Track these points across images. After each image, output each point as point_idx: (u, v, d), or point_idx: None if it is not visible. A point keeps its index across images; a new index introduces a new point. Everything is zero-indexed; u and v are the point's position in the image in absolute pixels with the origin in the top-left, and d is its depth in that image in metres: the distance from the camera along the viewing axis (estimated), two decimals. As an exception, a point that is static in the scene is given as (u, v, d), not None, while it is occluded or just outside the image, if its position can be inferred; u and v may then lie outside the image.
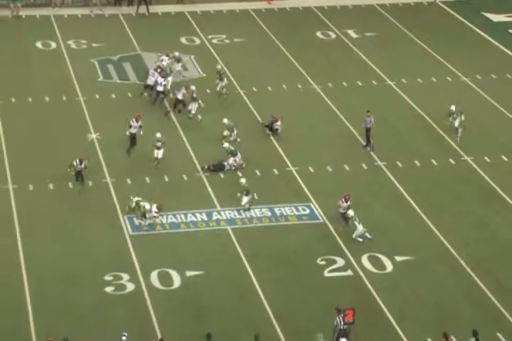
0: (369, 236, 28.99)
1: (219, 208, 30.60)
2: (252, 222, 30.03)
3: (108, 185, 31.71)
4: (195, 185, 32.00)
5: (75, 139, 34.42)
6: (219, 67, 38.11)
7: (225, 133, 33.79)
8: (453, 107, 34.82)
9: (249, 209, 30.25)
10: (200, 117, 35.46)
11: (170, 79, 37.13)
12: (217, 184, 31.90)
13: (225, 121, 34.22)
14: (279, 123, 35.07)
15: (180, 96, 36.00)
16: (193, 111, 35.51)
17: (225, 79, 37.62)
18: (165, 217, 29.97)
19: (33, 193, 31.19)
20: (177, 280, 27.07)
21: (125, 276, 27.21)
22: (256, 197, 30.62)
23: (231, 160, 32.45)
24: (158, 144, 32.32)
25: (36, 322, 25.21)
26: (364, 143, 34.32)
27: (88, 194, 30.84)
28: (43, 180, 31.76)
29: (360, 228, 28.90)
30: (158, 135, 32.35)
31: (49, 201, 30.55)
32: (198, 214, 30.19)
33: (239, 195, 30.36)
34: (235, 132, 33.90)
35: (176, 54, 38.98)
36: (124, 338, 23.26)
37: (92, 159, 31.43)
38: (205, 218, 30.17)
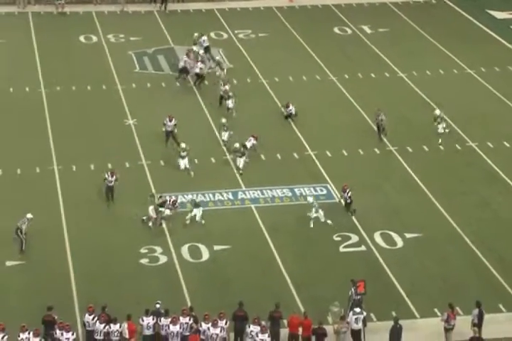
0: (329, 222, 28.31)
1: (244, 188, 30.42)
2: (274, 201, 29.87)
3: (143, 167, 31.41)
4: (223, 166, 31.71)
5: (114, 124, 34.33)
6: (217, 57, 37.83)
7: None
8: (437, 111, 33.21)
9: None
10: (234, 114, 34.47)
11: (202, 65, 36.57)
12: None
13: (224, 120, 32.76)
14: (291, 107, 34.53)
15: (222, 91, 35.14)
16: (231, 107, 34.18)
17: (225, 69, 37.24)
18: (195, 195, 29.75)
19: (75, 173, 31.09)
20: (205, 254, 27.03)
21: (158, 249, 27.11)
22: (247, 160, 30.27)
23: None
24: (183, 154, 30.57)
25: (79, 291, 25.24)
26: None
27: (125, 175, 30.56)
28: (85, 161, 31.63)
29: (321, 213, 28.19)
30: (183, 145, 30.80)
31: (90, 181, 30.27)
32: (224, 194, 29.97)
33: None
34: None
35: (198, 51, 38.29)
36: (157, 306, 23.01)
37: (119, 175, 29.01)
38: (231, 197, 29.95)
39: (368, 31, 43.78)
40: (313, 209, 27.96)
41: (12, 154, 31.88)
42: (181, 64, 37.19)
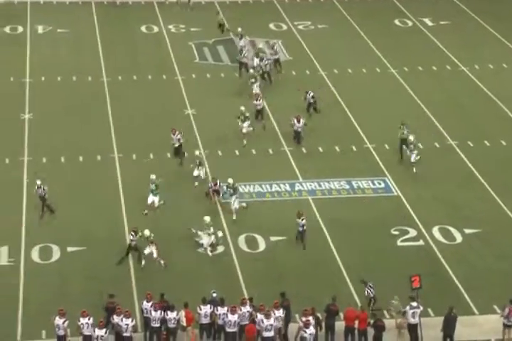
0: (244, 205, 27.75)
1: (301, 180, 30.30)
2: (331, 193, 29.69)
3: (203, 156, 31.21)
4: (280, 158, 31.58)
5: (174, 114, 34.40)
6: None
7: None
8: (411, 137, 30.26)
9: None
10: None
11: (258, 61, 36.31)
12: (299, 157, 31.56)
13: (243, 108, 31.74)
14: (310, 95, 33.62)
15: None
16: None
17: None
18: (252, 186, 29.79)
19: (135, 162, 31.28)
20: (262, 244, 26.94)
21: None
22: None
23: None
24: (198, 162, 29.03)
25: (137, 278, 25.33)
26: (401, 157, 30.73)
27: (185, 164, 30.65)
28: (145, 150, 31.79)
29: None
30: (197, 153, 29.61)
31: (149, 169, 30.41)
32: (281, 185, 29.89)
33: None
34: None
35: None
36: (214, 295, 23.03)
37: (140, 232, 25.96)
38: (288, 188, 29.83)
39: (429, 24, 43.11)
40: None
41: (74, 142, 32.13)
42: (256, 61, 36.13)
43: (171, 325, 22.20)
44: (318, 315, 22.71)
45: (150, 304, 22.56)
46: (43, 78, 36.76)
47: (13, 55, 38.56)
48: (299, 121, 31.50)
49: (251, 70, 35.84)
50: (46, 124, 33.22)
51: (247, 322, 22.18)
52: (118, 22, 42.52)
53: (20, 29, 41.11)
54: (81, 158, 31.21)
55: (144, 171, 30.22)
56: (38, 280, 24.99)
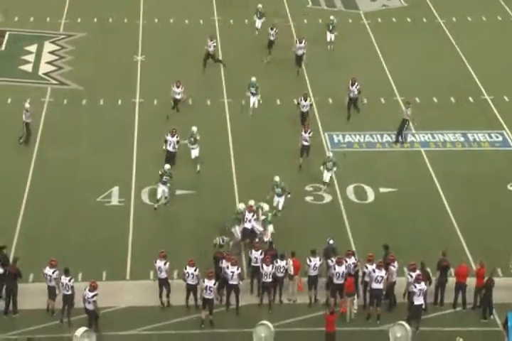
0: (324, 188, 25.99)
1: (413, 131, 29.54)
2: (445, 146, 28.95)
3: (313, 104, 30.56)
4: (392, 108, 30.70)
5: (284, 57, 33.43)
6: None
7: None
8: (330, 154, 26.65)
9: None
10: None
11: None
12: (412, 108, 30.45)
13: (253, 79, 29.76)
14: (305, 102, 29.27)
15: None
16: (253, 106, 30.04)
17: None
18: (362, 136, 29.34)
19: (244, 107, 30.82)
20: (371, 195, 26.51)
21: (323, 188, 26.78)
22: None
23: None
24: (193, 146, 26.94)
25: None
26: (395, 139, 28.76)
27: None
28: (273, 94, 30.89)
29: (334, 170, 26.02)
30: (194, 128, 27.05)
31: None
32: (393, 136, 29.13)
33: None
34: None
35: None
36: (331, 241, 22.69)
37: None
38: (399, 139, 29.06)
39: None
40: (330, 164, 25.76)
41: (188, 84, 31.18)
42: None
43: (279, 274, 21.98)
44: (428, 269, 22.13)
45: (259, 253, 22.43)
46: (156, 20, 36.74)
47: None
48: (305, 99, 28.65)
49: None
50: (157, 66, 33.18)
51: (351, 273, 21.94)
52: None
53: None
54: (190, 101, 31.06)
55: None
56: (145, 221, 25.32)
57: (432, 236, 24.68)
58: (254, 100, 29.70)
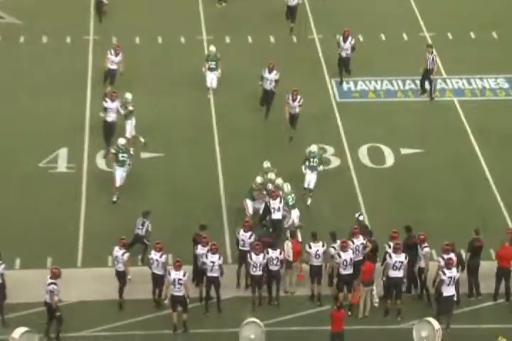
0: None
1: (444, 75, 29.93)
2: (485, 95, 29.32)
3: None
4: (417, 46, 30.57)
5: None
6: None
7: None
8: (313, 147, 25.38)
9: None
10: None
11: None
12: (444, 44, 30.97)
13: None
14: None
15: None
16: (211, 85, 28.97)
17: None
18: (379, 82, 29.77)
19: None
20: (390, 158, 26.76)
21: (330, 149, 27.02)
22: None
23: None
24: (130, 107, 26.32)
25: (227, 193, 25.41)
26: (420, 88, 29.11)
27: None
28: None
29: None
30: (128, 96, 26.43)
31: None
32: (417, 81, 29.36)
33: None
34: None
35: None
36: (361, 218, 22.99)
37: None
38: (427, 86, 29.18)
39: None
40: (314, 161, 24.75)
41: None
42: None
43: (273, 267, 21.85)
44: (461, 251, 22.32)
45: (248, 235, 22.34)
46: None
47: None
48: (294, 100, 26.67)
49: None
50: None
51: (361, 258, 21.91)
52: None
53: None
54: (249, 39, 31.23)
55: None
56: (102, 193, 25.22)
57: (467, 209, 24.92)
58: (212, 77, 28.45)
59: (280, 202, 23.48)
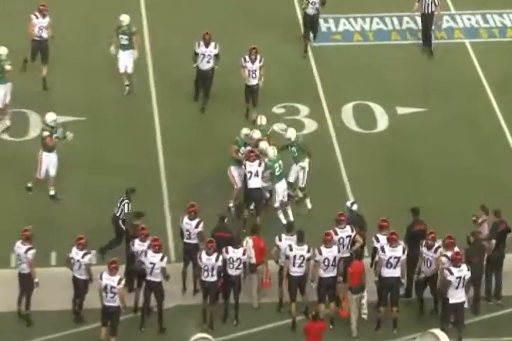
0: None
1: (453, 10, 30.50)
2: (505, 35, 29.93)
3: None
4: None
5: None
6: None
7: None
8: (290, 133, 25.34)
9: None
10: None
11: None
12: None
13: None
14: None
15: None
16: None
17: None
18: (367, 20, 30.00)
19: None
20: (382, 120, 26.85)
21: (304, 110, 27.17)
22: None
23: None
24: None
25: (167, 168, 25.63)
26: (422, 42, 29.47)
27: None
28: None
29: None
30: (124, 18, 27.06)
31: None
32: (417, 17, 29.27)
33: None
34: None
35: None
36: (354, 207, 22.42)
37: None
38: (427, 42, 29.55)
39: None
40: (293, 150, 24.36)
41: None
42: None
43: (233, 272, 21.55)
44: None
45: (195, 223, 21.99)
46: None
47: None
48: (254, 61, 26.39)
49: None
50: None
51: (347, 254, 21.79)
52: None
53: None
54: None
55: None
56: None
57: (483, 184, 25.04)
58: (127, 60, 27.65)
59: (260, 165, 23.44)
